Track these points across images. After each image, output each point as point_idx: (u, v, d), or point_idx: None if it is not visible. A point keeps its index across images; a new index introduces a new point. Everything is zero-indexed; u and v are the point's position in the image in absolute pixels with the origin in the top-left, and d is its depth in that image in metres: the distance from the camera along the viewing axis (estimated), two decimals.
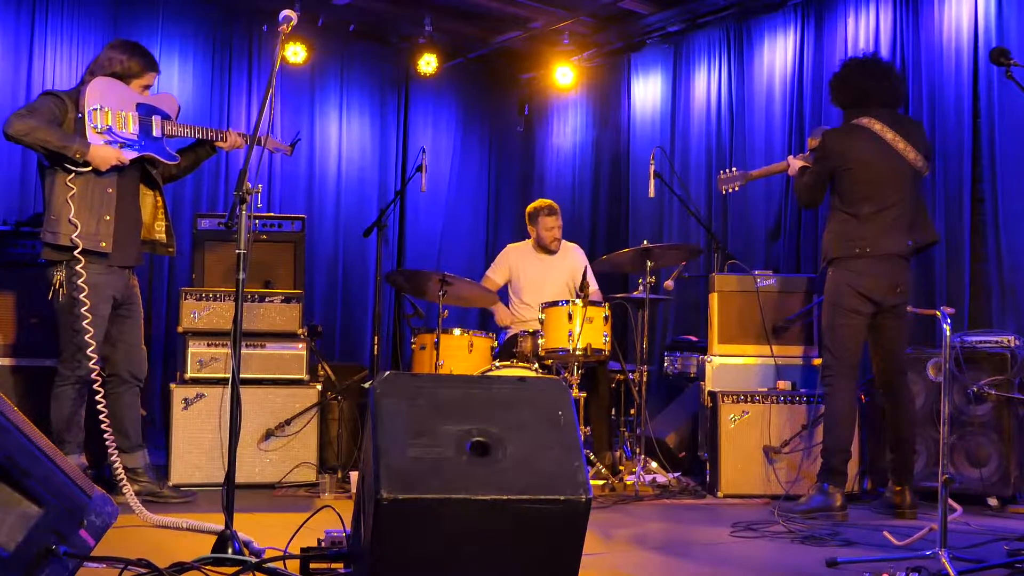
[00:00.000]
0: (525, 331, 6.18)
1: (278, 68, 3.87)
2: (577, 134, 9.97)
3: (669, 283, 6.58)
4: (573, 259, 6.80)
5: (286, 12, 3.87)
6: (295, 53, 8.65)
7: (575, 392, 5.73)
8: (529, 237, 6.88)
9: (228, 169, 8.62)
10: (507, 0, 8.63)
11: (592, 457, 5.80)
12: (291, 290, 5.99)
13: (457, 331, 5.90)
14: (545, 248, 6.77)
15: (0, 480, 2.59)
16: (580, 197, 9.73)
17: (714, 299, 6.10)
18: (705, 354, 6.18)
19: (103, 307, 4.83)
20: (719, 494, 5.70)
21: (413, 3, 8.74)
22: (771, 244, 7.86)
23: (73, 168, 4.71)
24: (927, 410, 5.57)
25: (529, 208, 6.86)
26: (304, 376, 5.84)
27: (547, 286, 6.61)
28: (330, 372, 6.15)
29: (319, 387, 5.85)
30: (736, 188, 5.99)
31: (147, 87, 5.03)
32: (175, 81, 8.37)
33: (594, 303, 5.81)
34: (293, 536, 3.55)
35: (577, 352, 5.68)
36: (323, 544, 3.38)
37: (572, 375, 5.76)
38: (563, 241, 6.84)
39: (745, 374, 6.01)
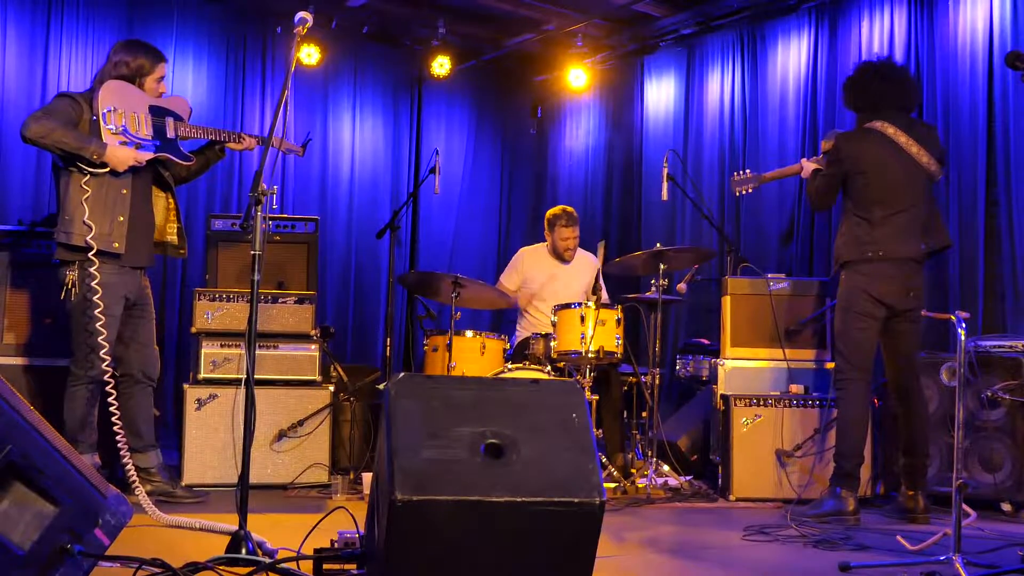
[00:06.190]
0: (537, 334, 6.18)
1: (293, 70, 3.88)
2: (590, 136, 9.97)
3: (682, 286, 6.57)
4: (587, 266, 6.77)
5: (301, 14, 3.88)
6: (309, 55, 8.68)
7: (587, 395, 5.72)
8: (545, 240, 6.87)
9: (241, 170, 8.65)
10: (520, 3, 8.64)
11: (604, 460, 5.79)
12: (304, 291, 5.99)
13: (469, 333, 5.90)
14: (559, 257, 6.76)
15: (16, 479, 2.60)
16: (592, 199, 9.73)
17: (727, 302, 6.09)
18: (717, 357, 6.17)
19: (116, 307, 4.85)
20: (731, 497, 5.69)
21: (427, 5, 8.75)
22: (784, 247, 7.85)
23: (88, 169, 4.72)
24: (940, 414, 5.55)
25: (548, 214, 6.82)
26: (316, 377, 5.84)
27: (562, 293, 6.58)
28: (342, 373, 6.16)
29: (331, 388, 5.86)
30: (749, 190, 5.98)
31: (161, 79, 5.03)
32: (189, 82, 8.41)
33: (606, 306, 5.81)
34: (307, 537, 3.56)
35: (589, 355, 5.67)
36: (336, 545, 3.39)
37: (584, 378, 5.76)
38: (579, 249, 6.83)
39: (757, 377, 6.00)
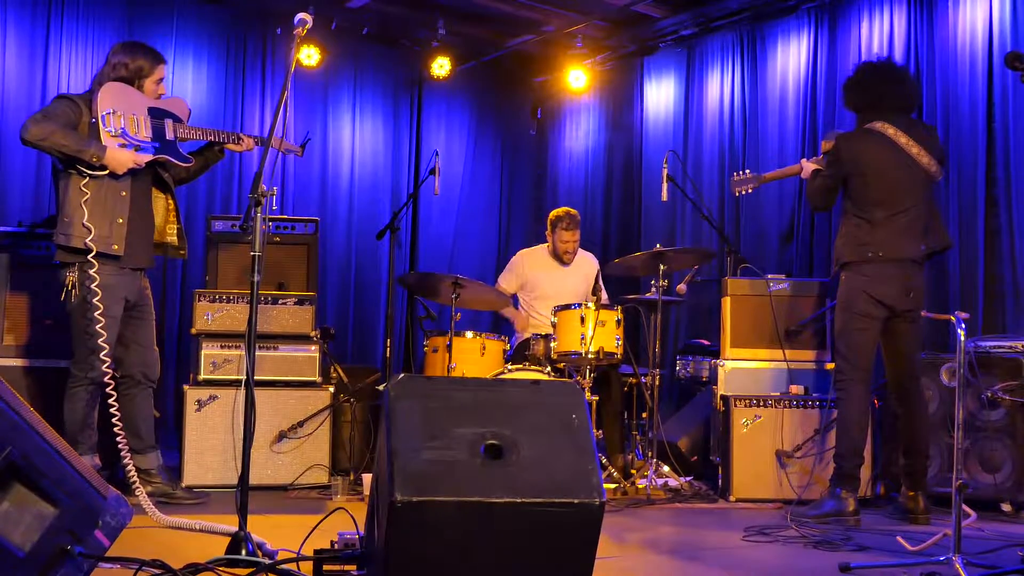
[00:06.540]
0: (537, 335, 6.17)
1: (293, 71, 3.88)
2: (590, 137, 9.97)
3: (682, 287, 6.58)
4: (587, 267, 6.77)
5: (301, 15, 3.89)
6: (308, 56, 8.67)
7: (587, 395, 5.72)
8: (545, 241, 6.87)
9: (241, 171, 8.65)
10: (520, 3, 8.63)
11: (604, 461, 5.79)
12: (304, 292, 6.00)
13: (469, 334, 5.89)
14: (558, 259, 6.77)
15: (16, 480, 2.60)
16: (592, 200, 9.73)
17: (727, 303, 6.08)
18: (717, 358, 6.17)
19: (115, 308, 4.85)
20: (731, 498, 5.69)
21: (427, 6, 8.75)
22: (784, 248, 7.85)
23: (88, 172, 4.73)
24: (940, 415, 5.55)
25: (551, 215, 6.81)
26: (317, 378, 5.84)
27: (562, 294, 6.57)
28: (342, 374, 6.16)
29: (332, 389, 5.86)
30: (749, 191, 5.98)
31: (160, 80, 5.03)
32: (189, 84, 8.40)
33: (605, 307, 5.81)
34: (307, 538, 3.56)
35: (589, 356, 5.67)
36: (336, 546, 3.39)
37: (584, 378, 5.76)
38: (579, 251, 6.83)
39: (757, 378, 6.00)
